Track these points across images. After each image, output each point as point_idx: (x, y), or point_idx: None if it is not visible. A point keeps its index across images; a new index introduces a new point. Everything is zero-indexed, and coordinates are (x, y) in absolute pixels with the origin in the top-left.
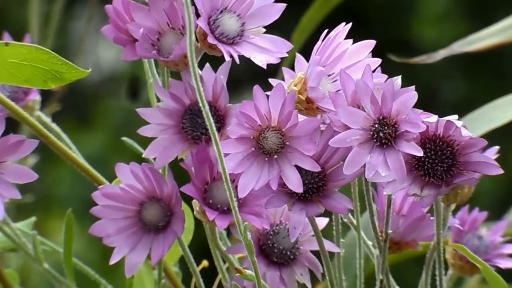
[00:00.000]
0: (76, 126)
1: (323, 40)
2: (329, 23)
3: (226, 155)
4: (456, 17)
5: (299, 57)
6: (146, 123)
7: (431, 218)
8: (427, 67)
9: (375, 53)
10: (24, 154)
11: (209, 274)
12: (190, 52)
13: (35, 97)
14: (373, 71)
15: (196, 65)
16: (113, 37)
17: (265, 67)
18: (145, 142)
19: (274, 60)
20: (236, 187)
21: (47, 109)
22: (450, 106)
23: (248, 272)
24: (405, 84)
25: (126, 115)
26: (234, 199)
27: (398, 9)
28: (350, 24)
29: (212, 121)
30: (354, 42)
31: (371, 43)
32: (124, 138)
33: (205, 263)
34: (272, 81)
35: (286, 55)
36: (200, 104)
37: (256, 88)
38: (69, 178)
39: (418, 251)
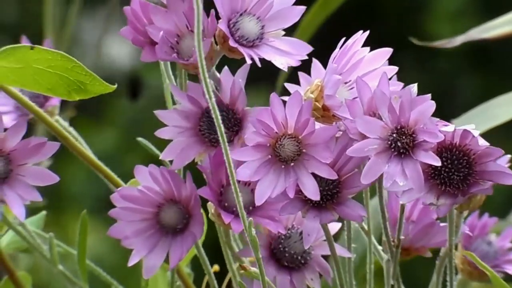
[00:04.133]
0: (87, 122)
1: (340, 48)
2: (347, 19)
3: (242, 162)
4: (471, 14)
5: (316, 63)
6: (158, 121)
7: (441, 224)
8: (444, 62)
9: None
10: (45, 156)
11: (220, 275)
12: (199, 56)
13: (56, 103)
14: (390, 79)
15: (205, 67)
16: (131, 38)
17: (286, 69)
18: (158, 141)
19: (294, 63)
20: (252, 191)
21: (63, 114)
22: (466, 103)
23: (253, 269)
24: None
25: (137, 112)
26: (240, 197)
27: (413, 5)
28: (367, 32)
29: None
30: (367, 39)
31: (387, 51)
32: (140, 139)
33: (216, 267)
34: (289, 87)
35: (306, 57)
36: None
37: (273, 96)
38: (82, 176)
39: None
